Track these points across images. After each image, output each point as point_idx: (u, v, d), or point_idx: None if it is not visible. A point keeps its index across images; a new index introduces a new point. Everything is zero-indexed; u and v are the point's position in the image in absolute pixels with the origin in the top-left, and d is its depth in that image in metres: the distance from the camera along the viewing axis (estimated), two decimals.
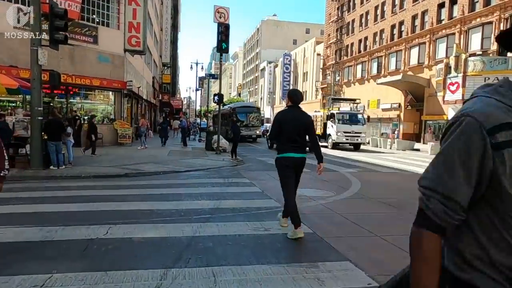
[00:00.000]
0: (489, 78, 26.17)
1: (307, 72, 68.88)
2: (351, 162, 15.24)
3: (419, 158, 18.52)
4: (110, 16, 17.69)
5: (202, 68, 42.12)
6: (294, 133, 4.65)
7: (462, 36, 31.12)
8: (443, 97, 29.14)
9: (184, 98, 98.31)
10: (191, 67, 40.41)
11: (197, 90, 38.45)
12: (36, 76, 9.81)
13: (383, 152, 23.84)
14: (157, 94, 38.55)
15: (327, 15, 59.83)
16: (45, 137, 9.89)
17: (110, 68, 17.51)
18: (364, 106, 46.09)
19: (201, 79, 38.36)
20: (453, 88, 28.02)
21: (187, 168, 11.61)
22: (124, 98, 18.59)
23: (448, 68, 28.55)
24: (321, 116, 28.17)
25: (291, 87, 76.18)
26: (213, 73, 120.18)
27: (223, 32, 15.16)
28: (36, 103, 9.88)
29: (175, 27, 61.39)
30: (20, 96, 14.04)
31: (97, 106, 18.46)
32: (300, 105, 4.84)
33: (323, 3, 61.67)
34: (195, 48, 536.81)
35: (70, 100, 17.09)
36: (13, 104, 15.46)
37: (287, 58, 75.75)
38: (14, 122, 10.96)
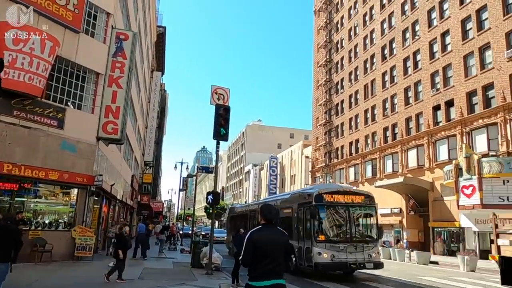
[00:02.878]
0: (508, 181, 23.77)
1: (295, 175, 66.91)
2: None
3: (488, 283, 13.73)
4: (84, 97, 14.85)
5: (187, 167, 39.08)
6: (271, 256, 4.10)
7: (464, 137, 29.58)
8: (457, 201, 26.17)
9: (164, 201, 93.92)
10: (175, 167, 37.46)
11: (181, 190, 34.90)
12: None
13: (412, 268, 19.65)
14: (135, 194, 34.51)
15: (314, 118, 60.05)
16: None
17: (75, 158, 14.04)
18: None
19: (186, 179, 34.97)
20: (468, 191, 25.26)
21: None
22: (91, 197, 14.69)
23: (458, 170, 26.21)
24: None
25: (277, 191, 73.59)
26: (193, 176, 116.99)
27: (222, 115, 12.27)
28: None
29: (160, 129, 60.19)
30: None
31: (54, 207, 14.43)
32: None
33: (308, 109, 62.88)
34: (178, 152, 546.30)
35: (16, 199, 13.06)
36: None
37: (273, 161, 74.64)
38: None
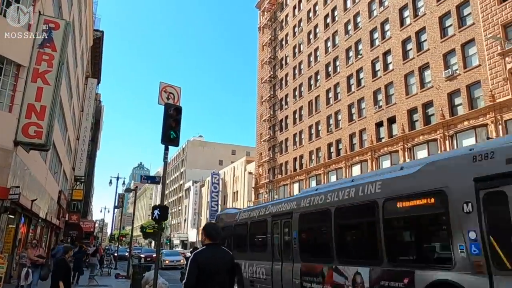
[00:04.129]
0: None
1: (237, 191, 65.50)
2: None
3: None
4: (0, 92, 12.22)
5: (123, 183, 35.96)
6: (217, 278, 3.94)
7: (406, 153, 30.38)
8: None
9: (96, 220, 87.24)
10: (110, 182, 34.29)
11: (116, 207, 31.73)
12: None
13: None
14: (63, 213, 30.69)
15: (258, 134, 59.49)
16: None
17: None
18: None
19: (122, 195, 31.90)
20: None
21: None
22: (3, 214, 11.93)
23: None
24: None
25: (219, 208, 71.50)
26: (129, 195, 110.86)
27: (173, 116, 10.55)
28: None
29: (94, 142, 55.71)
30: None
31: None
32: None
33: (250, 125, 62.33)
34: (113, 169, 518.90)
35: None
36: None
37: (215, 177, 72.77)
38: None
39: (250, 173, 60.24)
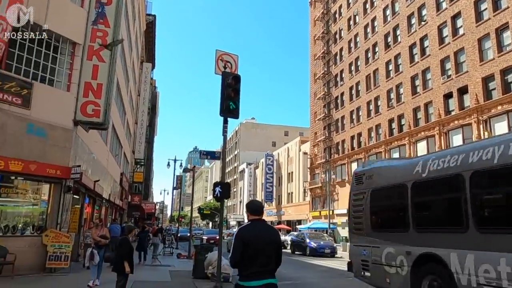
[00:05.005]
0: None
1: (292, 172, 64.52)
2: None
3: None
4: (57, 71, 12.10)
5: (180, 165, 36.41)
6: (263, 254, 3.84)
7: (481, 125, 27.39)
8: None
9: (156, 203, 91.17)
10: (168, 164, 34.87)
11: (174, 189, 32.21)
12: None
13: None
14: (125, 194, 31.70)
15: (312, 113, 57.72)
16: None
17: (46, 146, 11.31)
18: None
19: (180, 177, 32.27)
20: None
21: None
22: (67, 194, 11.95)
23: None
24: None
25: (274, 189, 71.25)
26: (186, 178, 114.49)
27: (231, 85, 9.68)
28: None
29: (152, 127, 57.25)
30: None
31: (19, 206, 11.66)
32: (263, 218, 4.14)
33: (304, 105, 60.62)
34: (169, 153, 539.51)
35: None
36: None
37: (269, 159, 72.23)
38: None
39: (305, 153, 58.89)
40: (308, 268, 17.30)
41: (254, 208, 4.12)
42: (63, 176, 11.59)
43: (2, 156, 10.11)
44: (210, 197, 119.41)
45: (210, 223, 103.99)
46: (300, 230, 47.04)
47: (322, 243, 25.80)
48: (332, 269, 16.93)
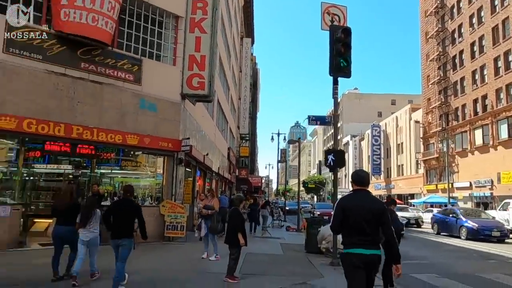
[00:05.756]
0: None
1: (402, 143, 59.90)
2: None
3: None
4: (163, 46, 12.36)
5: (284, 138, 36.23)
6: (361, 223, 3.78)
7: None
8: None
9: (262, 177, 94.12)
10: (272, 138, 34.98)
11: (279, 162, 32.23)
12: None
13: None
14: (233, 168, 32.77)
15: (424, 77, 52.17)
16: None
17: (157, 120, 11.70)
18: (492, 181, 35.54)
19: (283, 150, 32.08)
20: None
21: None
22: (179, 166, 12.33)
23: None
24: None
25: (382, 161, 67.40)
26: (289, 152, 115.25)
27: (341, 39, 8.49)
28: None
29: (254, 103, 58.20)
30: None
31: (138, 178, 12.41)
32: (367, 189, 4.11)
33: (412, 69, 54.88)
34: (271, 129, 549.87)
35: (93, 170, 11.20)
36: None
37: (375, 130, 68.22)
38: None
39: (416, 121, 53.91)
40: None
41: (357, 178, 4.10)
42: (175, 149, 11.94)
43: (120, 131, 10.70)
44: (314, 171, 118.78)
45: (315, 197, 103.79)
46: (413, 205, 43.60)
47: (485, 222, 19.13)
48: None
